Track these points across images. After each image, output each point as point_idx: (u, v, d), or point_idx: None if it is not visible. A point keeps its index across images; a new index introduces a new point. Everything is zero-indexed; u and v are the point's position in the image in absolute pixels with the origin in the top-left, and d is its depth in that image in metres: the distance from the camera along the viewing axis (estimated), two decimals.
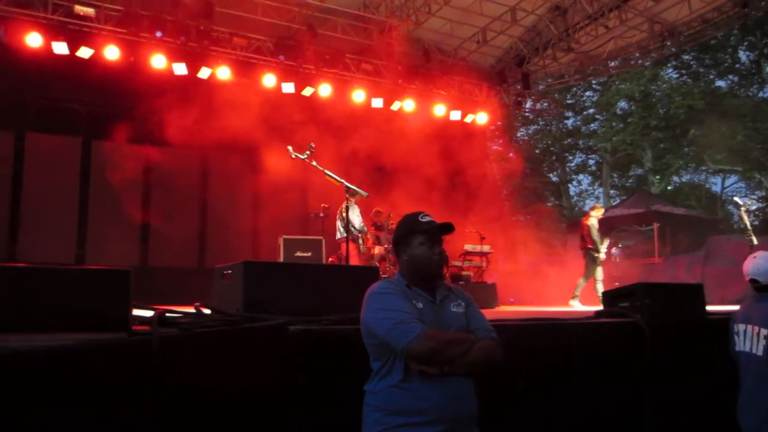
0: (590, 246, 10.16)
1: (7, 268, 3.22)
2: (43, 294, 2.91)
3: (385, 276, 8.92)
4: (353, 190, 7.00)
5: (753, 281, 4.31)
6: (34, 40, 9.78)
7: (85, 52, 10.09)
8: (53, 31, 9.90)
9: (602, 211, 10.73)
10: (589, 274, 10.20)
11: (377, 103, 12.56)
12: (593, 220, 10.33)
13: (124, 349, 2.78)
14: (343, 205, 8.73)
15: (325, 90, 12.00)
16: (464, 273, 10.80)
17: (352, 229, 8.82)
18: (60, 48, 9.90)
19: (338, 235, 9.01)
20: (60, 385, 2.62)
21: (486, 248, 11.36)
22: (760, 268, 4.28)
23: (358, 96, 12.37)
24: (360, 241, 8.98)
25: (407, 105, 12.94)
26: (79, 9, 9.92)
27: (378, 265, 9.59)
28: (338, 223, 9.08)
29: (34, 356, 2.56)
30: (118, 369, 2.73)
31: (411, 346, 2.65)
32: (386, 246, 9.82)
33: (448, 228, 2.94)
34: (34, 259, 8.37)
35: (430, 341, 2.67)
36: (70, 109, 10.13)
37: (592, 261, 10.16)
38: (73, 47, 10.00)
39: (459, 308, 2.92)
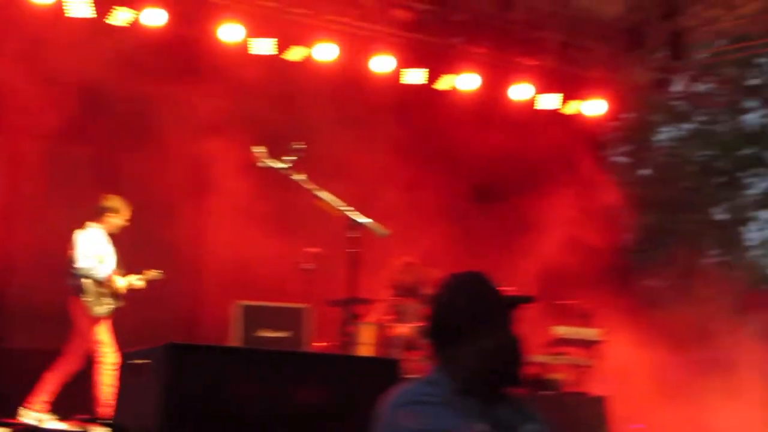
0: None
1: None
2: None
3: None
4: (353, 220, 7.13)
5: None
6: None
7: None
8: None
9: None
10: None
11: (414, 76, 12.66)
12: None
13: None
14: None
15: (323, 51, 12.07)
16: (553, 377, 10.69)
17: (74, 269, 9.10)
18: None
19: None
20: None
21: (593, 334, 11.21)
22: None
23: (382, 64, 12.40)
24: (89, 290, 9.13)
25: (465, 81, 12.94)
26: None
27: (402, 356, 9.65)
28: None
29: None
30: None
31: None
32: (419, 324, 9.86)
33: (527, 301, 3.15)
34: None
35: None
36: None
37: None
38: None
39: None
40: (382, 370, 4.58)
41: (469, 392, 2.97)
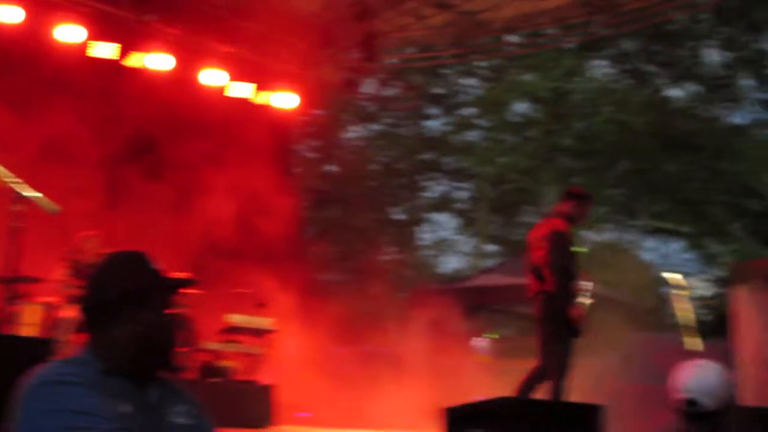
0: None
1: None
2: None
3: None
4: (20, 194, 6.88)
5: (690, 403, 4.40)
6: None
7: None
8: None
9: None
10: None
11: (103, 50, 12.48)
12: None
13: None
14: None
15: (5, 13, 11.54)
16: (223, 364, 10.83)
17: None
18: None
19: None
20: None
21: (266, 323, 11.46)
22: (707, 384, 4.41)
23: (69, 33, 12.11)
24: None
25: (155, 61, 12.90)
26: None
27: (68, 338, 9.42)
28: None
29: None
30: None
31: None
32: None
33: (186, 284, 3.17)
34: None
35: None
36: None
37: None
38: None
39: (187, 419, 3.02)
40: (32, 353, 4.40)
41: (116, 373, 2.93)
